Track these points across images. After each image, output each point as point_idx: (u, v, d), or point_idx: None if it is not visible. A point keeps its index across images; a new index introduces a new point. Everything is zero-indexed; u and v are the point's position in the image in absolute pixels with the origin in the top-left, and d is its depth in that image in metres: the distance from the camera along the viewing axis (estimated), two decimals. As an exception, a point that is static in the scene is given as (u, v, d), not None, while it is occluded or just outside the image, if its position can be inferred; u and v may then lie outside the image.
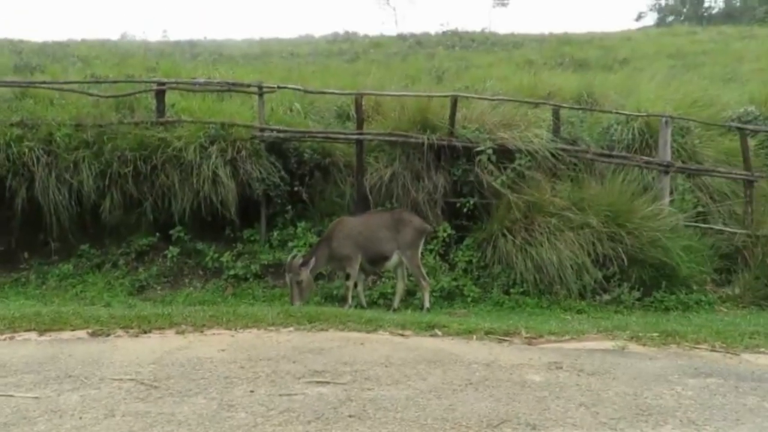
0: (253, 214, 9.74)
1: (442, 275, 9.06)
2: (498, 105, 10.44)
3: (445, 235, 9.55)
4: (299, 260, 7.90)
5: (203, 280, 9.38)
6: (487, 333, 6.11)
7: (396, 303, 8.48)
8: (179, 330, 6.07)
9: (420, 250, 8.46)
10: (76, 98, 10.05)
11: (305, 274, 7.92)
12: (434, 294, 8.73)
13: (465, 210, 9.51)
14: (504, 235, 9.18)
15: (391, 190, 9.56)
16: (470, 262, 9.40)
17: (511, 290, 8.96)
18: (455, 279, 9.03)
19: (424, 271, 8.46)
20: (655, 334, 6.02)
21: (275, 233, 9.58)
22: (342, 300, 8.46)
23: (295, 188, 9.70)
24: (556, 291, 8.89)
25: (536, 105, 10.74)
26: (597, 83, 13.61)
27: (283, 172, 9.58)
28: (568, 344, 5.80)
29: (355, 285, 8.32)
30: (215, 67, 14.94)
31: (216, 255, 9.37)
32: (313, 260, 7.94)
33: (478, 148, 9.43)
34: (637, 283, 8.67)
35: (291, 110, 11.39)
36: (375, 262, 8.35)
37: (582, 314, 8.25)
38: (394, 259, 8.30)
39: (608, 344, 5.75)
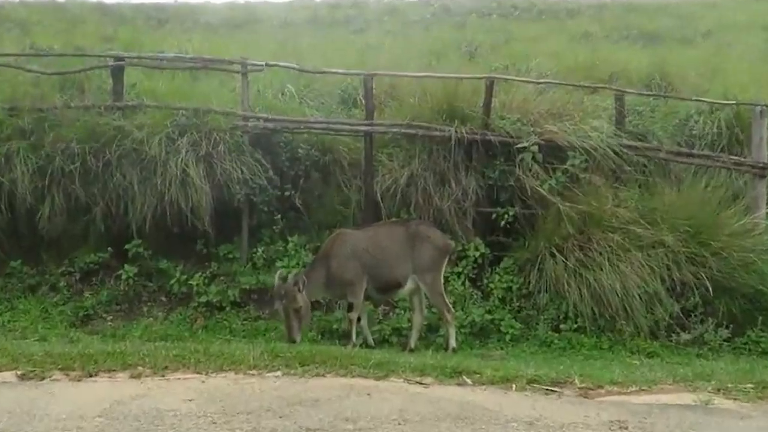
0: (233, 226, 9.82)
1: (473, 306, 9.14)
2: (546, 89, 10.49)
3: (476, 254, 9.57)
4: (292, 281, 7.93)
5: (167, 309, 9.44)
6: (530, 382, 6.13)
7: (413, 341, 8.51)
8: (134, 373, 6.08)
9: (443, 274, 8.50)
10: (10, 75, 10.11)
11: (303, 299, 7.99)
12: (462, 330, 8.82)
13: (503, 222, 9.58)
14: (553, 255, 9.17)
15: (409, 197, 9.64)
16: (509, 289, 9.40)
17: (562, 326, 9.00)
18: (490, 311, 9.10)
19: (448, 300, 8.52)
20: (749, 386, 6.03)
21: (260, 250, 9.65)
22: (344, 336, 8.53)
23: (287, 193, 9.78)
24: (620, 328, 8.90)
25: (595, 90, 10.79)
26: (672, 62, 13.68)
27: (271, 173, 9.64)
28: (636, 398, 5.81)
29: (359, 319, 8.40)
30: (188, 37, 15.15)
31: (184, 277, 9.43)
32: (304, 281, 8.03)
33: (520, 144, 9.53)
34: (725, 318, 8.71)
35: (283, 94, 11.44)
36: (385, 288, 8.43)
37: (654, 358, 8.31)
38: (410, 284, 8.36)
39: (688, 398, 5.77)
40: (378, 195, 9.67)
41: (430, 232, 8.58)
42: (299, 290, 7.94)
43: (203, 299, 9.32)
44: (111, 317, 9.30)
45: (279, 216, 9.74)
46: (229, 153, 9.54)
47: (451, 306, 8.52)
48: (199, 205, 9.32)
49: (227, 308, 9.33)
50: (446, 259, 8.54)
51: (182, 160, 9.31)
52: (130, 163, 9.36)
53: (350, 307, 8.33)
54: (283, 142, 9.96)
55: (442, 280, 8.53)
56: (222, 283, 9.50)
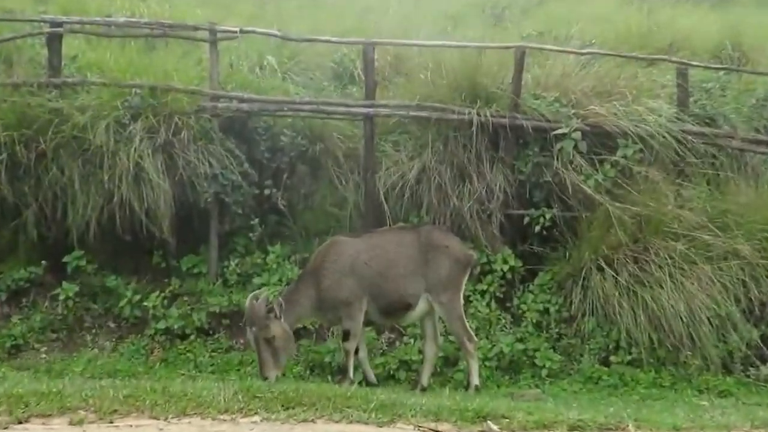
0: (199, 233, 9.89)
1: (501, 333, 9.20)
2: (590, 62, 10.48)
3: (505, 268, 9.60)
4: (263, 303, 7.93)
5: (115, 338, 9.46)
6: (572, 428, 6.09)
7: (425, 378, 8.57)
8: (75, 419, 5.97)
9: (462, 292, 8.54)
10: None
11: (279, 327, 7.96)
12: (487, 363, 8.87)
13: (537, 228, 9.65)
14: (600, 269, 9.17)
15: (420, 196, 9.70)
16: (545, 311, 9.43)
17: (612, 358, 9.05)
18: (521, 339, 9.15)
19: (469, 326, 8.56)
20: None
21: (233, 263, 9.71)
22: (339, 372, 8.54)
23: (266, 191, 9.84)
24: (685, 360, 8.89)
25: (651, 62, 10.76)
26: (747, 28, 13.61)
27: (246, 166, 9.72)
28: (706, 449, 5.86)
29: (357, 350, 8.43)
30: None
31: (137, 297, 9.44)
32: (281, 304, 8.00)
33: (559, 130, 9.59)
34: (815, 348, 8.75)
35: (261, 68, 11.43)
36: (391, 310, 8.47)
37: (727, 398, 8.29)
38: (422, 306, 8.42)
39: (770, 449, 5.84)
40: (381, 194, 9.71)
41: (447, 240, 8.62)
42: (275, 316, 7.94)
43: (161, 325, 9.33)
44: (45, 348, 9.28)
45: (256, 220, 9.74)
46: (194, 142, 9.57)
47: (473, 333, 8.52)
48: (156, 207, 9.36)
49: (192, 336, 9.36)
50: (467, 274, 8.59)
51: (135, 150, 9.31)
52: (70, 154, 9.36)
53: (346, 335, 8.31)
54: (261, 128, 9.99)
55: (462, 301, 8.54)
56: (185, 305, 9.52)
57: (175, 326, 9.34)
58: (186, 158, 9.53)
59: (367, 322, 8.59)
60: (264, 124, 10.01)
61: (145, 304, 9.44)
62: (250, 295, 8.20)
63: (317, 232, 9.85)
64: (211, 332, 9.48)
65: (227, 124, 9.86)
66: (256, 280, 9.44)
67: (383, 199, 9.72)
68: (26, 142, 9.36)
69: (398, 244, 8.56)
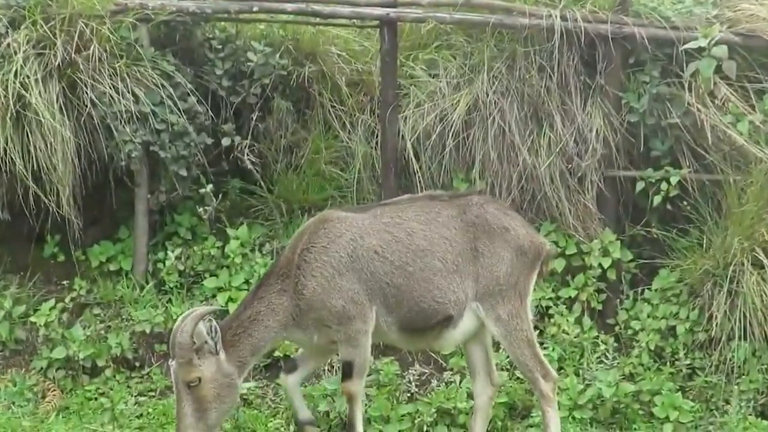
0: (119, 207, 10.16)
1: (599, 366, 9.34)
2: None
3: (606, 263, 9.68)
4: (189, 327, 7.73)
5: None
6: None
7: None
8: None
9: (530, 301, 8.53)
10: None
11: (211, 366, 7.85)
12: (576, 414, 8.96)
13: (658, 200, 9.75)
14: (758, 266, 9.19)
15: (469, 148, 9.87)
16: (670, 332, 9.48)
17: None
18: (631, 376, 9.27)
19: (544, 355, 8.54)
20: None
21: (172, 255, 9.89)
22: (344, 429, 8.65)
23: (226, 141, 10.09)
24: None
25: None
26: None
27: (193, 100, 9.91)
28: None
29: (291, 368, 8.56)
30: None
31: (20, 309, 9.60)
32: (215, 330, 7.87)
33: (693, 43, 9.60)
34: None
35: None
36: (418, 327, 8.33)
37: None
38: (468, 322, 8.35)
39: None
40: (408, 145, 9.86)
41: (507, 218, 8.53)
42: (209, 350, 7.84)
43: (59, 354, 9.45)
44: None
45: (209, 187, 9.91)
46: (108, 62, 9.73)
47: (550, 367, 8.45)
48: (50, 167, 9.54)
49: (107, 372, 9.48)
50: (536, 272, 8.56)
51: (17, 76, 9.45)
52: None
53: (348, 370, 8.23)
54: (217, 41, 10.21)
55: (531, 315, 8.54)
56: (96, 322, 9.65)
57: (81, 355, 9.39)
58: (97, 89, 9.65)
59: (382, 346, 8.73)
60: (222, 36, 10.25)
61: (32, 320, 9.55)
62: (182, 316, 7.98)
63: (306, 205, 10.05)
64: (137, 365, 9.56)
65: (164, 34, 10.07)
66: (210, 283, 9.56)
67: (411, 152, 9.87)
68: None
69: (429, 224, 8.42)
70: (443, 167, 9.86)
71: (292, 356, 8.71)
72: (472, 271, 8.32)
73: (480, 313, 8.28)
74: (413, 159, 9.87)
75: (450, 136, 9.80)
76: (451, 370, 9.57)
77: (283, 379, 8.51)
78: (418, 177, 9.83)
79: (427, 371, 9.68)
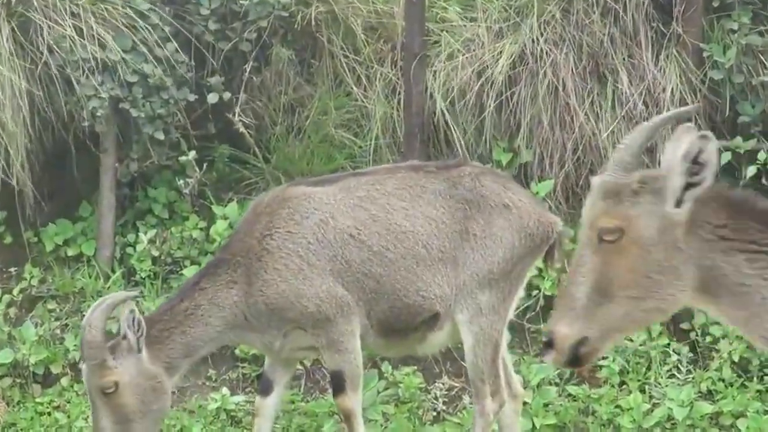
0: (81, 178, 9.74)
1: (669, 381, 8.76)
2: None
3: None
4: (103, 318, 7.34)
5: None
6: None
7: None
8: None
9: (519, 291, 7.93)
10: None
11: (131, 369, 7.32)
12: None
13: (751, 172, 9.15)
14: None
15: (515, 109, 9.36)
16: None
17: None
18: (710, 393, 8.70)
19: (501, 368, 7.97)
20: None
21: (144, 237, 9.48)
22: None
23: (213, 96, 9.52)
24: None
25: None
26: None
27: (173, 46, 9.44)
28: None
29: (267, 390, 7.93)
30: None
31: None
32: (138, 322, 7.33)
33: None
34: None
35: None
36: (399, 328, 7.74)
37: None
38: (464, 316, 7.71)
39: None
40: (438, 104, 9.28)
41: (507, 193, 7.88)
42: (129, 348, 7.29)
43: (5, 358, 8.93)
44: None
45: (191, 154, 9.36)
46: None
47: (504, 387, 7.84)
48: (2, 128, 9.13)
49: (63, 380, 8.93)
50: (538, 258, 8.01)
51: None
52: None
53: (339, 382, 7.65)
54: None
55: (511, 312, 7.99)
56: (50, 319, 9.16)
57: (32, 360, 8.86)
58: (55, 31, 9.14)
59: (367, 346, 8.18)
60: None
61: None
62: (102, 300, 7.64)
63: (310, 174, 9.48)
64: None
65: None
66: (190, 272, 8.96)
67: (441, 115, 9.21)
68: None
69: (412, 201, 7.83)
70: (485, 134, 9.30)
71: (264, 371, 8.04)
72: (459, 257, 7.76)
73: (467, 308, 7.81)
74: (444, 123, 9.25)
75: (490, 95, 9.23)
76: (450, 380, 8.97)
77: (259, 403, 7.86)
78: (456, 145, 9.32)
79: (457, 385, 9.04)
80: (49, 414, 8.76)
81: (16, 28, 9.13)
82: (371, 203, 7.74)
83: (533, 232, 7.74)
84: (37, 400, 8.80)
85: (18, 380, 8.92)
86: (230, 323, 7.54)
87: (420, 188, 7.80)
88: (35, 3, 9.11)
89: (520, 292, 7.97)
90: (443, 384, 8.97)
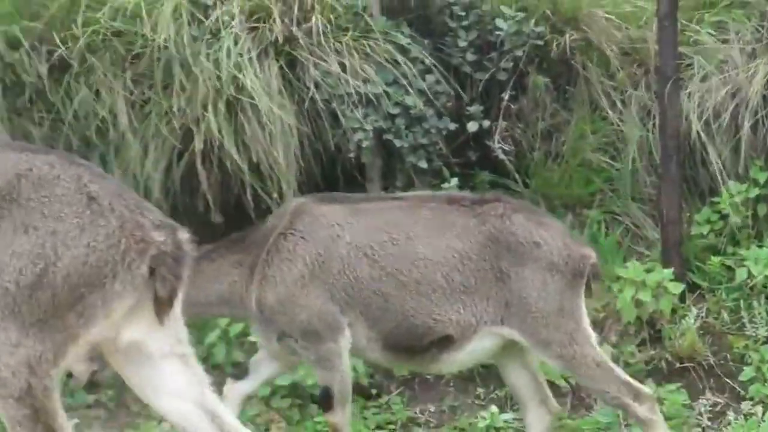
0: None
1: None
2: None
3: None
4: None
5: None
6: None
7: None
8: None
9: (585, 317, 7.87)
10: None
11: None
12: None
13: None
14: None
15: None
16: None
17: None
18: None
19: (623, 373, 7.82)
20: None
21: None
22: None
23: (473, 125, 9.57)
24: None
25: None
26: None
27: (432, 77, 9.51)
28: None
29: None
30: None
31: (236, 326, 9.09)
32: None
33: None
34: None
35: None
36: (405, 346, 7.82)
37: None
38: (481, 344, 7.83)
39: None
40: (693, 126, 9.23)
41: (538, 231, 7.85)
42: None
43: (284, 380, 8.86)
44: None
45: (453, 181, 9.47)
46: (333, 35, 9.39)
47: (640, 385, 7.73)
48: (271, 160, 9.21)
49: None
50: (580, 289, 7.85)
51: (229, 54, 9.15)
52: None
53: (327, 399, 7.74)
54: (460, 8, 9.77)
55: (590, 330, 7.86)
56: None
57: (309, 381, 8.84)
58: (320, 67, 9.34)
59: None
60: (465, 0, 9.75)
61: (251, 339, 8.90)
62: None
63: (570, 201, 9.71)
64: (374, 392, 9.17)
65: (396, 0, 9.84)
66: None
67: (698, 135, 9.20)
68: None
69: (439, 231, 7.87)
70: (737, 153, 9.27)
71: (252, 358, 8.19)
72: (496, 294, 7.79)
73: (523, 342, 7.81)
74: (699, 144, 9.33)
75: (745, 115, 9.20)
76: (751, 399, 8.72)
77: (228, 386, 7.89)
78: (705, 165, 9.35)
79: (721, 401, 8.89)
80: (327, 432, 9.19)
81: (284, 67, 9.40)
82: (394, 227, 7.83)
83: (562, 268, 7.78)
84: (316, 420, 8.83)
85: (296, 400, 9.01)
86: (225, 300, 7.80)
87: (450, 221, 7.90)
88: (301, 41, 9.38)
89: (585, 317, 7.85)
90: (707, 400, 8.90)
